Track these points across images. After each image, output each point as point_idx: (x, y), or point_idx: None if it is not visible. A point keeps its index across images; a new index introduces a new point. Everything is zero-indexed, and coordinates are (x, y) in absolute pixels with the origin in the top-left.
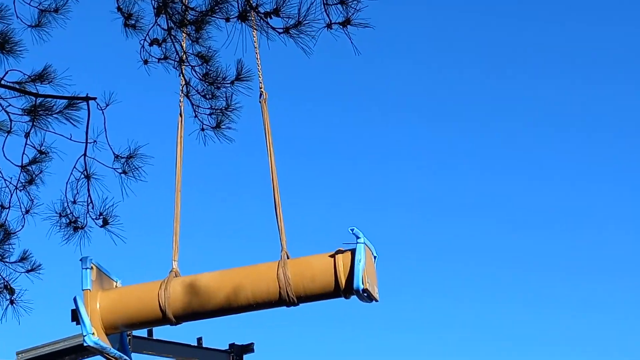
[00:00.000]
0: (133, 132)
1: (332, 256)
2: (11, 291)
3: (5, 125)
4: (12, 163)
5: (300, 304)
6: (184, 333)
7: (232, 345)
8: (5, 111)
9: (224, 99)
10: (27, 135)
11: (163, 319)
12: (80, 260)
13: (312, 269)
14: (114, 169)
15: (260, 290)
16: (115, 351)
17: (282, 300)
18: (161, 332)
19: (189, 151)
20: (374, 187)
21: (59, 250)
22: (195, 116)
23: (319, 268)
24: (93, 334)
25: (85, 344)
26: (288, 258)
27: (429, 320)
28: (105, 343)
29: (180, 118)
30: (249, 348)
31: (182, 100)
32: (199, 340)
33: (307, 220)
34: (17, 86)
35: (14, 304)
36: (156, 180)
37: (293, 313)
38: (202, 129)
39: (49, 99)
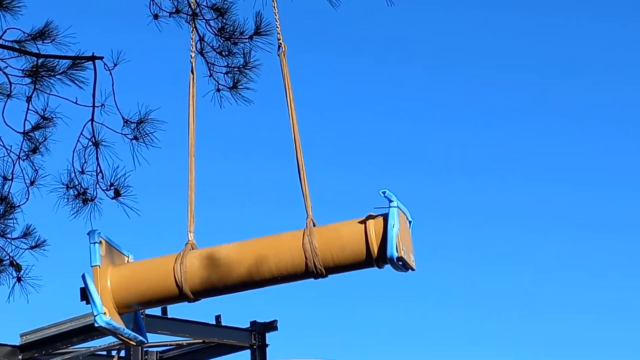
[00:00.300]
0: (144, 94)
1: (363, 222)
2: (18, 268)
3: (4, 89)
4: (13, 130)
5: (329, 276)
6: (201, 311)
7: (253, 323)
8: (4, 73)
9: (242, 56)
10: (29, 99)
11: (180, 296)
12: (88, 234)
13: (341, 237)
14: (124, 135)
15: (284, 261)
16: (130, 331)
17: (309, 272)
18: (176, 311)
19: (204, 114)
20: (405, 147)
21: (67, 224)
22: (210, 75)
23: (349, 235)
24: (105, 313)
25: (96, 325)
26: (314, 225)
27: (469, 289)
28: (118, 323)
29: (191, 76)
30: (271, 326)
31: (193, 55)
32: (218, 318)
33: (333, 185)
34: (16, 45)
35: (21, 282)
36: (170, 147)
37: (320, 286)
38: (218, 90)
39: (52, 59)
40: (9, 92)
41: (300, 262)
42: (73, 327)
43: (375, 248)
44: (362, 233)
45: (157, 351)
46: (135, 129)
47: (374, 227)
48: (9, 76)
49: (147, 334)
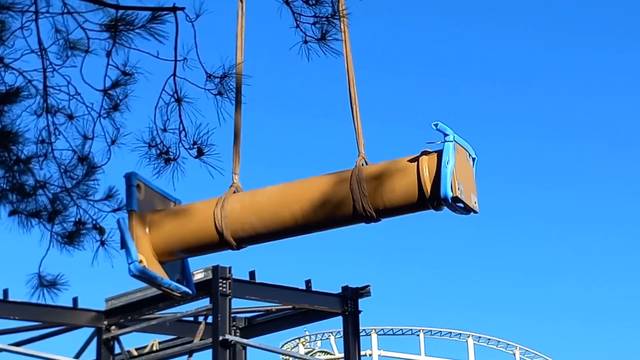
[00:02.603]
0: (228, 47)
1: (415, 160)
2: (101, 231)
3: (82, 44)
4: (92, 87)
5: (382, 219)
6: (291, 276)
7: (345, 289)
8: (82, 28)
9: (330, 4)
10: (108, 53)
11: (221, 242)
12: (125, 177)
13: (392, 176)
14: (208, 90)
15: (331, 204)
16: (170, 281)
17: (358, 215)
18: (265, 275)
19: (288, 67)
20: (466, 87)
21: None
22: (297, 27)
23: (400, 174)
24: (140, 261)
25: (130, 274)
26: (366, 164)
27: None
28: (155, 272)
29: (240, 4)
30: (364, 291)
31: None
32: (308, 283)
33: (392, 124)
34: None
35: (104, 245)
36: (255, 102)
37: (415, 250)
38: (305, 42)
39: (130, 12)
40: (87, 48)
41: (349, 205)
42: (159, 292)
43: (428, 187)
44: (414, 171)
45: (245, 317)
46: (220, 84)
47: (428, 165)
48: (87, 31)
49: (235, 299)
